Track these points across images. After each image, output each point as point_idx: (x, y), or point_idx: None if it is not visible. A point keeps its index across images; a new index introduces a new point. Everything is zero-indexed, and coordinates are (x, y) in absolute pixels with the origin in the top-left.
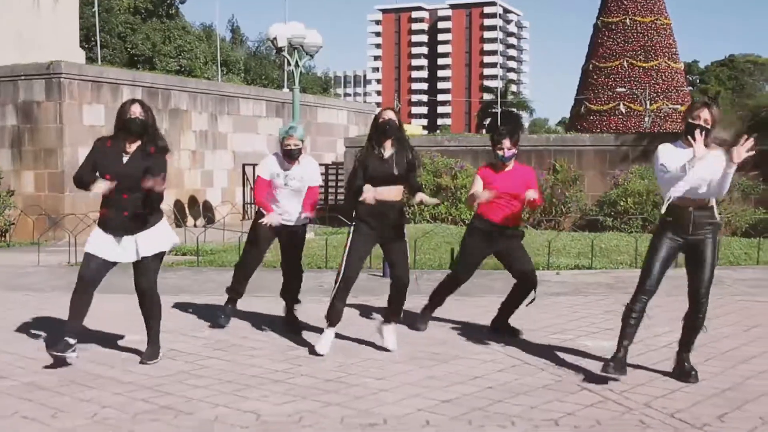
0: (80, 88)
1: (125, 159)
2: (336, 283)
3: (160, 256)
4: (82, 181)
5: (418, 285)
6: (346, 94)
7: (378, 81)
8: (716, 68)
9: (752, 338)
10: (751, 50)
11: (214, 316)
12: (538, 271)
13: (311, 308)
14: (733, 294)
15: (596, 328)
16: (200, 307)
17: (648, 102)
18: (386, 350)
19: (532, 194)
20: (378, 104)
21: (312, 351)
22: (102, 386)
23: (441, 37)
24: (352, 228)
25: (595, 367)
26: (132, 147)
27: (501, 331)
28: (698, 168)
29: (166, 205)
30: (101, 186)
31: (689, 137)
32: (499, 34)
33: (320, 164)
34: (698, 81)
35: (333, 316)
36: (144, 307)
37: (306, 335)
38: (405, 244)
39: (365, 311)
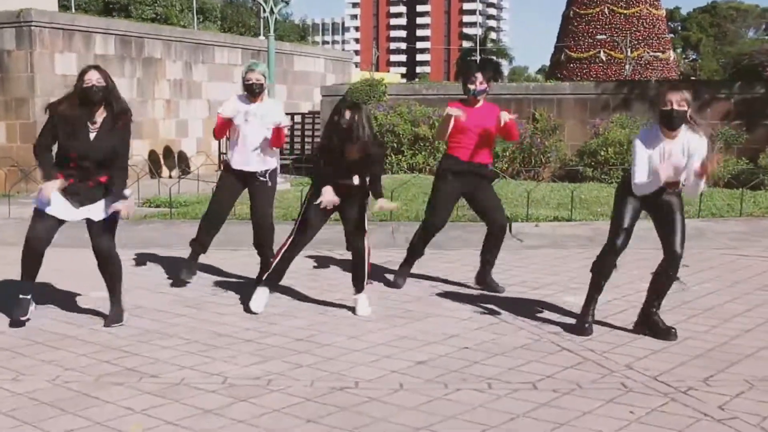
0: (52, 37)
1: (92, 135)
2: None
3: (114, 217)
4: (41, 162)
5: (394, 238)
6: (324, 42)
7: (356, 28)
8: (698, 15)
9: (736, 295)
10: None
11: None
12: (517, 223)
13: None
14: (716, 248)
15: (576, 284)
16: (170, 262)
17: (629, 49)
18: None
19: (506, 116)
20: (356, 52)
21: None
22: (66, 347)
23: None
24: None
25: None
26: (98, 117)
27: (483, 286)
28: (668, 164)
29: (140, 156)
30: (51, 187)
31: (664, 127)
32: None
33: (297, 113)
34: (680, 28)
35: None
36: (103, 269)
37: (280, 292)
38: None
39: (330, 263)
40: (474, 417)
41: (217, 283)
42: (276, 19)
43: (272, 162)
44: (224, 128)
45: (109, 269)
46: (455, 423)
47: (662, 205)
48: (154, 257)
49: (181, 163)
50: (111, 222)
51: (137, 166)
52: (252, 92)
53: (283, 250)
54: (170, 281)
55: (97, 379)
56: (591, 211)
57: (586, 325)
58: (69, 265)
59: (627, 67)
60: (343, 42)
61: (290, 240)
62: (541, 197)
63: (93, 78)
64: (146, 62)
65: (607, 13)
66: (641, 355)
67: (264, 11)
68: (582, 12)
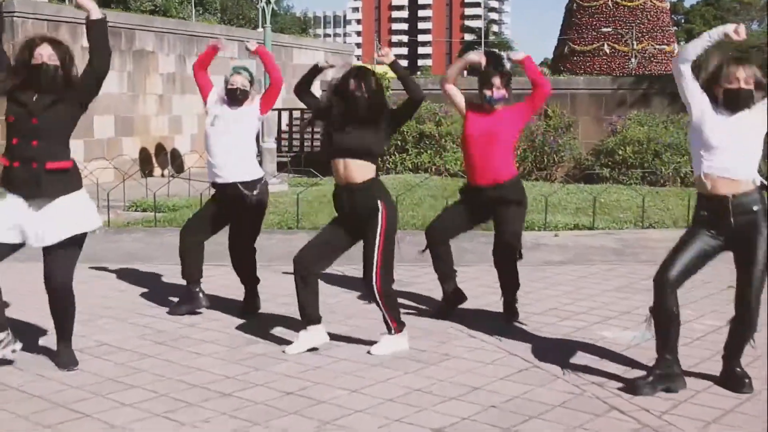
0: (35, 28)
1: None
2: None
3: (77, 240)
4: None
5: (400, 249)
6: (326, 35)
7: (358, 21)
8: (701, 8)
9: None
10: None
11: (164, 292)
12: (534, 232)
13: (278, 281)
14: None
15: (611, 311)
16: (149, 280)
17: (634, 42)
18: (363, 345)
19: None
20: (358, 45)
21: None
22: (3, 403)
23: None
24: None
25: (622, 370)
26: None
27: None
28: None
29: (127, 156)
30: None
31: (725, 108)
32: None
33: (296, 109)
34: (683, 21)
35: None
36: (54, 306)
37: (267, 320)
38: None
39: (333, 284)
40: None
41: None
42: (276, 11)
43: (255, 170)
44: (205, 80)
45: (62, 306)
46: None
47: (741, 240)
48: (131, 275)
49: (174, 161)
50: (73, 246)
51: (124, 165)
52: (234, 99)
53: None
54: (140, 308)
55: None
56: (613, 217)
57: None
58: (21, 284)
59: (633, 60)
60: (345, 35)
61: None
62: (557, 201)
63: (45, 54)
64: (137, 55)
65: (611, 5)
66: (711, 416)
67: (260, 1)
68: (585, 4)
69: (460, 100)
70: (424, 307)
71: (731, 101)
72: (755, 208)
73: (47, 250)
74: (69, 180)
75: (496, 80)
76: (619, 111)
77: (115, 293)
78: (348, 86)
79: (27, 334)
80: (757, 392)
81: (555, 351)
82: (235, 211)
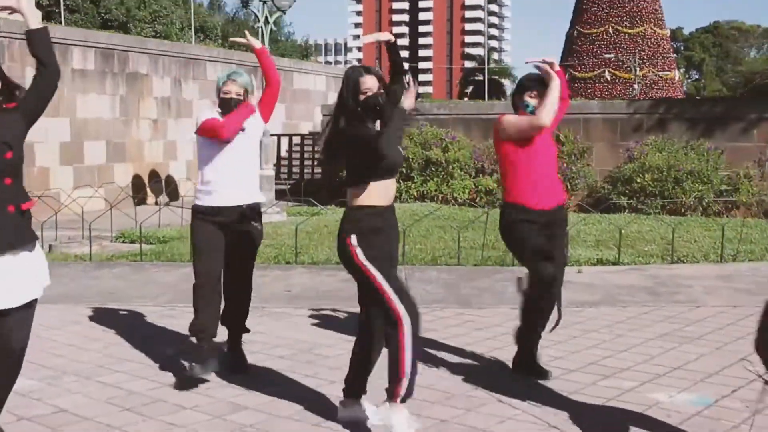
0: (23, 49)
1: None
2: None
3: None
4: None
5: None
6: (327, 62)
7: (359, 49)
8: (701, 35)
9: None
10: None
11: (142, 340)
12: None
13: (273, 328)
14: None
15: (661, 367)
16: (127, 325)
17: (637, 68)
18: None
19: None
20: None
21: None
22: None
23: (422, 4)
24: None
25: None
26: None
27: (526, 371)
28: None
29: (115, 184)
30: None
31: None
32: (482, 1)
33: (295, 134)
34: (682, 48)
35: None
36: (5, 373)
37: (258, 380)
38: None
39: (335, 330)
40: None
41: (175, 364)
42: (278, 38)
43: (259, 194)
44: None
45: (11, 374)
46: None
47: None
48: (108, 318)
49: (168, 188)
50: (32, 309)
51: (113, 193)
52: (227, 108)
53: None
54: (111, 363)
55: None
56: (638, 250)
57: None
58: None
59: (636, 86)
60: (346, 62)
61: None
62: (575, 233)
63: None
64: (130, 78)
65: (611, 32)
66: None
67: (258, 20)
68: (586, 31)
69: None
70: (438, 357)
71: None
72: None
73: (4, 311)
74: (30, 223)
75: (536, 91)
76: (636, 136)
77: (87, 342)
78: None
79: None
80: None
81: (596, 418)
82: (232, 239)
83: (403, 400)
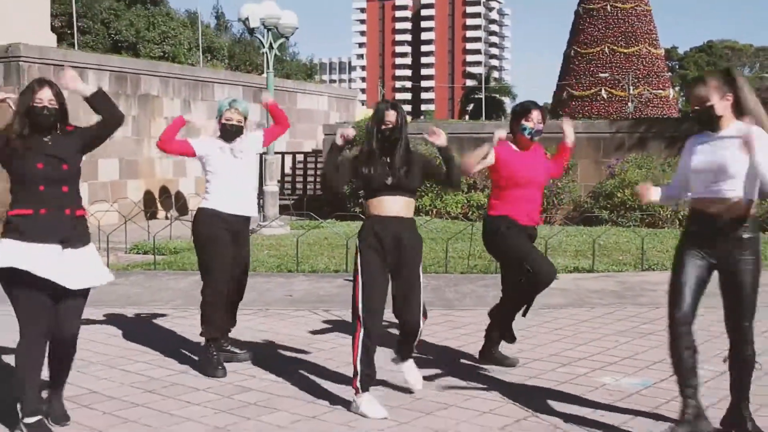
0: (42, 72)
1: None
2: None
3: (88, 292)
4: None
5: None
6: (331, 81)
7: (362, 68)
8: (695, 54)
9: None
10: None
11: (158, 338)
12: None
13: (274, 326)
14: (765, 303)
15: (612, 357)
16: (144, 325)
17: (631, 87)
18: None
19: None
20: (363, 90)
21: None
22: None
23: (424, 24)
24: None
25: (621, 420)
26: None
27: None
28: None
29: (131, 199)
30: None
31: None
32: (482, 22)
33: (299, 152)
34: (677, 66)
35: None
36: (58, 357)
37: (260, 368)
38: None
39: (328, 329)
40: None
41: (190, 356)
42: (283, 58)
43: (255, 207)
44: (179, 147)
45: (66, 356)
46: None
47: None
48: (127, 319)
49: (178, 203)
50: (84, 298)
51: (127, 208)
52: (228, 135)
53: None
54: (132, 355)
55: None
56: (613, 259)
57: None
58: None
59: (630, 104)
60: (350, 80)
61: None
62: (557, 243)
63: (45, 98)
64: (142, 99)
65: (607, 52)
66: None
67: (263, 46)
68: (583, 51)
69: (490, 160)
70: (421, 353)
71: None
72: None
73: (61, 300)
74: (87, 226)
75: (536, 113)
76: (617, 154)
77: (110, 338)
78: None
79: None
80: None
81: (554, 399)
82: (240, 244)
83: (364, 390)
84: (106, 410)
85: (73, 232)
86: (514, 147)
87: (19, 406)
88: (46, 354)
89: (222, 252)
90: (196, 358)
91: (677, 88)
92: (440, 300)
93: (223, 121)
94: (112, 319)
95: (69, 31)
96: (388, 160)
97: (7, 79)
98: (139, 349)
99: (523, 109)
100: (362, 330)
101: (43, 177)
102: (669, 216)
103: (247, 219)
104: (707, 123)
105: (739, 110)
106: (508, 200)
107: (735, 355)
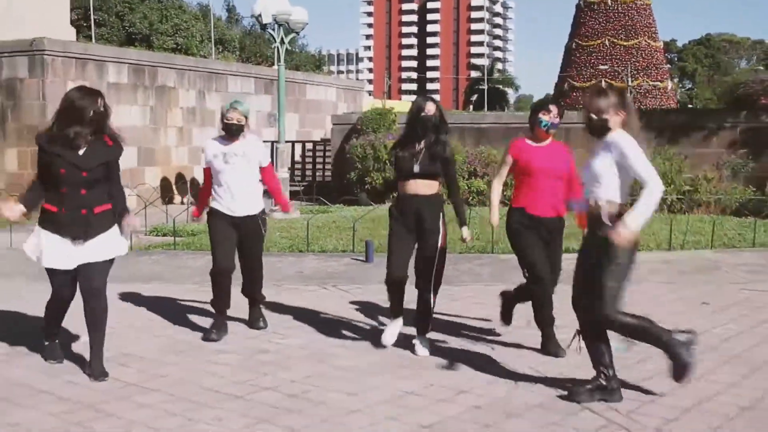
0: (64, 65)
1: (82, 150)
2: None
3: (111, 261)
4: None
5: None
6: (339, 72)
7: (370, 59)
8: (693, 47)
9: (764, 336)
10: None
11: (181, 309)
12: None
13: (286, 298)
14: (733, 282)
15: None
16: (167, 298)
17: (629, 79)
18: (363, 354)
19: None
20: (370, 81)
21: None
22: (36, 404)
23: (430, 17)
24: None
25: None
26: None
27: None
28: None
29: (148, 184)
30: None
31: None
32: (486, 14)
33: (308, 141)
34: (676, 59)
35: None
36: (91, 313)
37: (276, 334)
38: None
39: (336, 301)
40: None
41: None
42: (292, 49)
43: (261, 202)
44: (208, 182)
45: (98, 313)
46: None
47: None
48: (152, 293)
49: (193, 189)
50: (107, 263)
51: (146, 193)
52: (230, 132)
53: None
54: (160, 324)
55: None
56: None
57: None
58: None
59: (628, 95)
60: (357, 71)
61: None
62: None
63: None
64: (159, 91)
65: (608, 44)
66: (671, 415)
67: (274, 40)
68: (584, 44)
69: (509, 162)
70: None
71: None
72: None
73: (87, 265)
74: (109, 217)
75: (553, 108)
76: None
77: (138, 309)
78: None
79: (66, 343)
80: (714, 394)
81: (537, 358)
82: (245, 236)
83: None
84: (140, 368)
85: (88, 228)
86: (530, 141)
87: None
88: (85, 323)
89: (219, 239)
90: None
91: (675, 80)
92: None
93: (225, 120)
94: (139, 293)
95: (85, 24)
96: (419, 146)
97: (32, 71)
98: (164, 318)
99: (542, 104)
100: (387, 274)
101: (64, 182)
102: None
103: (251, 217)
104: (598, 132)
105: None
106: (524, 192)
107: None
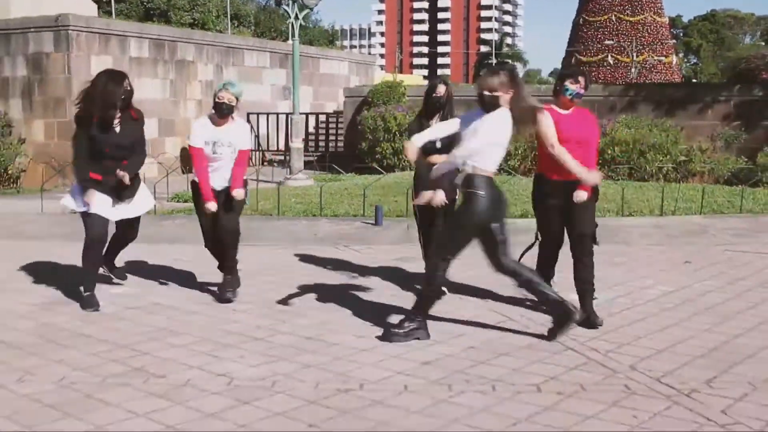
0: (88, 40)
1: (117, 129)
2: None
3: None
4: (83, 170)
5: (408, 233)
6: (352, 46)
7: (382, 34)
8: (698, 22)
9: (737, 292)
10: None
11: (205, 266)
12: (528, 219)
13: (305, 257)
14: (718, 244)
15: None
16: (191, 256)
17: (635, 54)
18: (371, 305)
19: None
20: (381, 55)
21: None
22: (78, 345)
23: None
24: None
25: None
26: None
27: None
28: None
29: (170, 153)
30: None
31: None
32: None
33: (321, 113)
34: (681, 34)
35: None
36: (121, 242)
37: (292, 289)
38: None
39: (352, 262)
40: (476, 421)
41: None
42: (305, 24)
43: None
44: (204, 160)
45: (131, 240)
46: (457, 427)
47: None
48: (177, 252)
49: None
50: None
51: (167, 162)
52: (220, 111)
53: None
54: (186, 278)
55: (103, 381)
56: (598, 207)
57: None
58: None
59: (633, 70)
60: (370, 46)
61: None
62: None
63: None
64: (179, 65)
65: (614, 20)
66: (645, 354)
67: (290, 17)
68: (591, 19)
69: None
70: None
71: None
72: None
73: (124, 221)
74: (139, 180)
75: (581, 79)
76: (610, 115)
77: (165, 266)
78: None
79: (103, 296)
80: (686, 338)
81: (528, 308)
82: (222, 207)
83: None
84: (170, 316)
85: (124, 191)
86: (557, 109)
87: (82, 288)
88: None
89: (206, 217)
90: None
91: (680, 55)
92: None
93: (217, 99)
94: (165, 252)
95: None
96: (429, 123)
97: (57, 46)
98: (189, 274)
99: (571, 72)
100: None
101: (110, 157)
102: (654, 171)
103: (224, 189)
104: (489, 107)
105: (516, 103)
106: (545, 158)
107: None
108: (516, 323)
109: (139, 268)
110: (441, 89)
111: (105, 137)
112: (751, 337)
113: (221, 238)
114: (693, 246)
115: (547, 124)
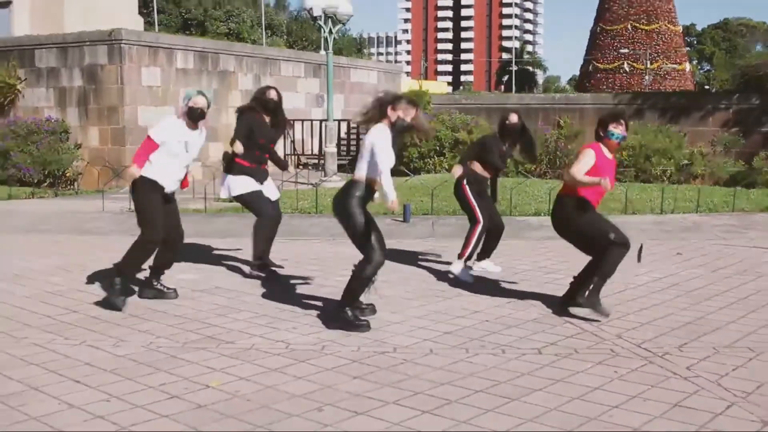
0: (138, 53)
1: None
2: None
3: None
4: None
5: (433, 229)
6: (379, 53)
7: (407, 41)
8: (712, 31)
9: (719, 278)
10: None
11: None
12: (539, 217)
13: (341, 249)
14: (708, 239)
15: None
16: (243, 249)
17: (649, 62)
18: (403, 289)
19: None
20: (407, 62)
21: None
22: (156, 319)
23: (464, 1)
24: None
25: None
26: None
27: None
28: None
29: (216, 157)
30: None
31: None
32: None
33: (352, 120)
34: (695, 42)
35: None
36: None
37: (329, 273)
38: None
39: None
40: (488, 375)
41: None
42: (336, 36)
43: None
44: (144, 154)
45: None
46: (472, 379)
47: None
48: (229, 244)
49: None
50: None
51: (213, 165)
52: (193, 117)
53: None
54: (240, 266)
55: (183, 345)
56: (604, 206)
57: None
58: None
59: (647, 77)
60: (396, 53)
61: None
62: None
63: (273, 95)
64: (221, 75)
65: (630, 29)
66: (630, 327)
67: (324, 31)
68: (608, 28)
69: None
70: (444, 266)
71: None
72: None
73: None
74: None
75: (623, 121)
76: None
77: (220, 255)
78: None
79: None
80: (668, 314)
81: (536, 291)
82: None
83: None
84: (229, 297)
85: (265, 177)
86: (605, 151)
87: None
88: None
89: (158, 213)
90: (286, 270)
91: (694, 63)
92: (460, 234)
93: (191, 104)
94: (218, 244)
95: (144, 10)
96: (506, 146)
97: (111, 58)
98: (242, 262)
99: (615, 115)
100: (479, 225)
101: (261, 148)
102: (659, 174)
103: (173, 192)
104: (402, 131)
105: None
106: (590, 191)
107: None
108: (525, 302)
109: (199, 256)
110: (513, 118)
111: (266, 135)
112: (722, 314)
113: (174, 243)
114: (686, 241)
115: (587, 162)
